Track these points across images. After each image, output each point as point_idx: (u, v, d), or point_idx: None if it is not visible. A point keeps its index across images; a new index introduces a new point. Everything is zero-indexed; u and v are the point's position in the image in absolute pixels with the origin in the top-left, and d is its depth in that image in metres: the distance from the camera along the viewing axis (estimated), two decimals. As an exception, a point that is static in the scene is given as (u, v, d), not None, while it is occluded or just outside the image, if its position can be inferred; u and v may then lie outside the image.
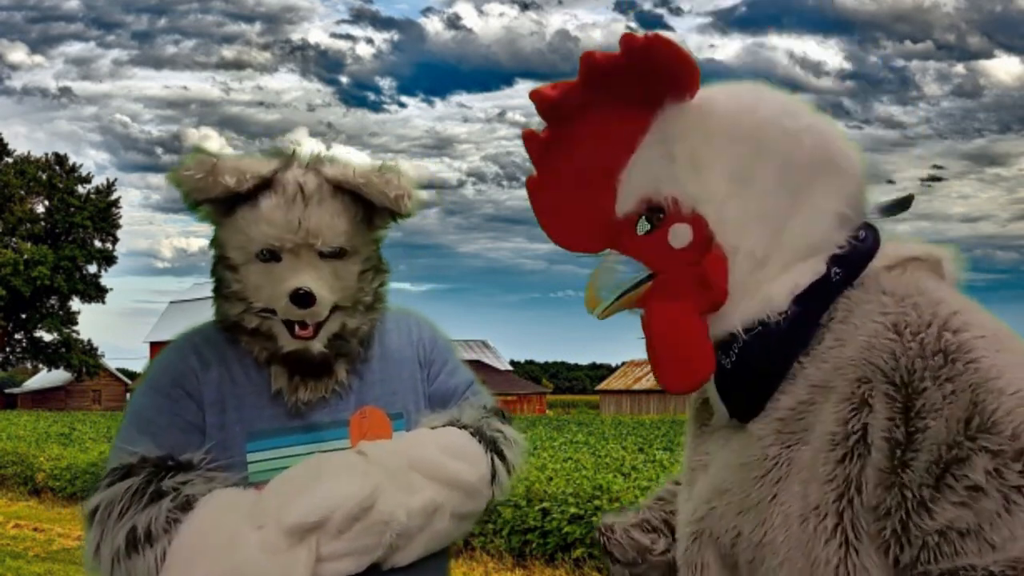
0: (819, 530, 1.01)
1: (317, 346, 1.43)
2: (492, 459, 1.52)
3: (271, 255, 1.40)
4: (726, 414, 1.16)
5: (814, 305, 1.08)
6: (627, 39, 1.06)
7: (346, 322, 1.47)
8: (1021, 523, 0.91)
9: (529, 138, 1.18)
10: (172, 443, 1.38)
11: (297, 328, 1.40)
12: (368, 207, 1.47)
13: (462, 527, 1.50)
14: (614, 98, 1.12)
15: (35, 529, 9.23)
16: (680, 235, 1.12)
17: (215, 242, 1.47)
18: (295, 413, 1.45)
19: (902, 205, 1.22)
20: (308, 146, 1.51)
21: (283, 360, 1.45)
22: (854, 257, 1.10)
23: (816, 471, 1.02)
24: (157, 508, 1.29)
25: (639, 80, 1.10)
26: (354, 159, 1.50)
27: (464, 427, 1.53)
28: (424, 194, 1.52)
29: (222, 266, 1.46)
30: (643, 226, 1.16)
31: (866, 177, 1.15)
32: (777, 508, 1.05)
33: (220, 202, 1.40)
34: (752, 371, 1.10)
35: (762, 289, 1.09)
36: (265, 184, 1.40)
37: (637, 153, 1.14)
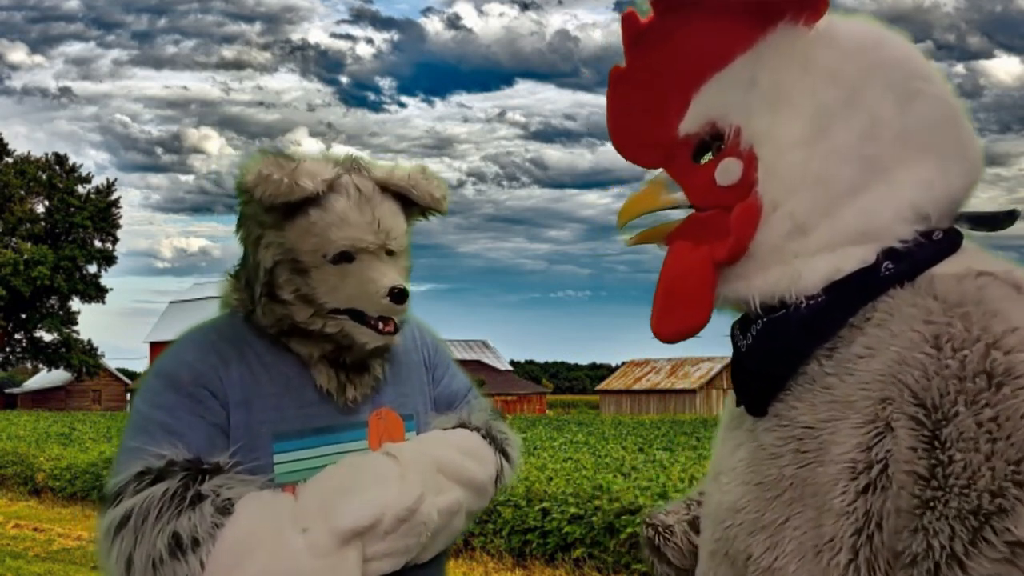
0: (832, 565, 0.89)
1: (398, 340, 1.49)
2: (500, 460, 1.57)
3: (342, 257, 1.41)
4: (735, 403, 1.05)
5: (850, 298, 0.93)
6: None
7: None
8: None
9: (629, 20, 1.01)
10: (199, 445, 1.35)
11: (382, 324, 1.43)
12: (406, 207, 1.50)
13: (467, 524, 1.55)
14: (731, 2, 0.98)
15: (35, 529, 9.23)
16: (728, 172, 0.99)
17: (275, 247, 1.42)
18: (317, 413, 1.46)
19: (1000, 220, 1.02)
20: (314, 147, 1.52)
21: (328, 359, 1.46)
22: (915, 256, 0.93)
23: (832, 501, 0.89)
24: (199, 512, 1.26)
25: None
26: (387, 164, 1.52)
27: (475, 429, 1.58)
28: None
29: (287, 270, 1.42)
30: (700, 154, 1.04)
31: (976, 180, 0.98)
32: (789, 533, 0.94)
33: (288, 206, 1.38)
34: (764, 359, 0.98)
35: (795, 262, 0.95)
36: (328, 187, 1.40)
37: (723, 71, 0.99)
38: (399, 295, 1.39)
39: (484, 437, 1.57)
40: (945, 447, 0.82)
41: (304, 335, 1.45)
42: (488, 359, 61.34)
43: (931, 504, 0.83)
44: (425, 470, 1.42)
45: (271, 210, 1.38)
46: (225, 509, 1.28)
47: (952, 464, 0.81)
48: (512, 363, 79.38)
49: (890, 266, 0.93)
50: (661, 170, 1.08)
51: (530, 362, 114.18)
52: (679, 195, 1.05)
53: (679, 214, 1.08)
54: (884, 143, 0.94)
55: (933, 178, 0.94)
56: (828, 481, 0.90)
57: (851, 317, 0.94)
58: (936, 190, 0.95)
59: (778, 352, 0.97)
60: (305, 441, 1.44)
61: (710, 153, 1.03)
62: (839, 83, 0.95)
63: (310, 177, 1.35)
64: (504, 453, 1.59)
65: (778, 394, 0.98)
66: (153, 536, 1.25)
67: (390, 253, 1.45)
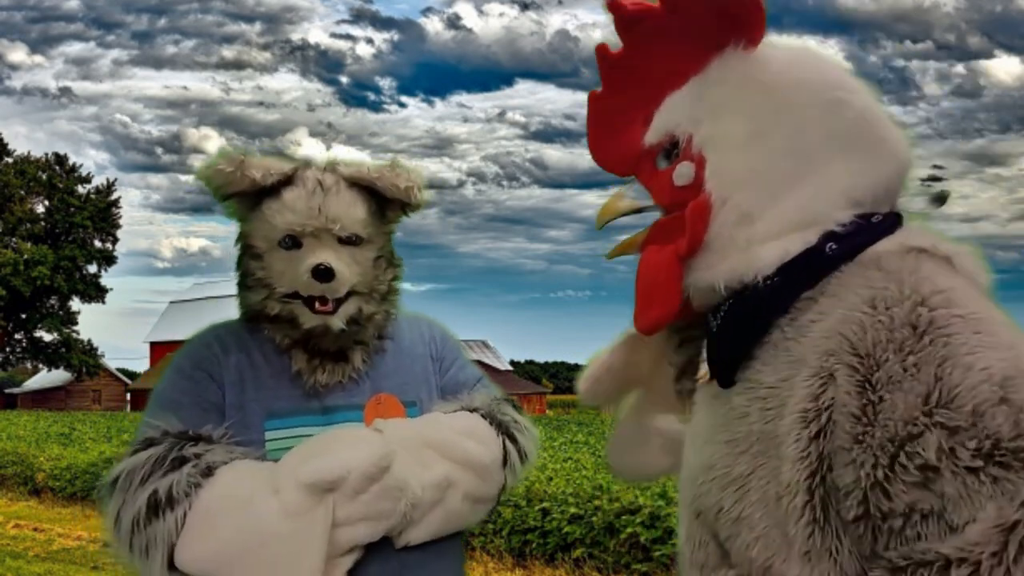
0: (790, 509, 0.99)
1: (337, 323, 1.51)
2: (504, 442, 1.58)
3: (293, 242, 1.50)
4: (708, 379, 1.17)
5: (800, 275, 1.07)
6: None
7: (362, 307, 1.56)
8: (982, 505, 0.88)
9: (601, 53, 1.22)
10: (193, 420, 1.45)
11: (317, 304, 1.49)
12: (381, 201, 1.57)
13: (477, 510, 1.55)
14: (684, 32, 1.15)
15: (35, 529, 9.23)
16: (683, 174, 1.15)
17: (241, 235, 1.56)
18: (312, 395, 1.52)
19: (936, 200, 1.22)
20: (317, 149, 1.60)
21: (303, 344, 1.53)
22: (854, 236, 1.07)
23: (788, 449, 1.00)
24: (178, 473, 1.35)
25: (709, 18, 1.12)
26: (365, 160, 1.61)
27: (475, 411, 1.60)
28: (427, 192, 1.61)
29: (247, 256, 1.55)
30: (662, 161, 1.20)
31: (906, 169, 1.14)
32: (755, 483, 1.04)
33: (247, 197, 1.51)
34: (731, 334, 1.11)
35: (752, 249, 1.09)
36: (287, 180, 1.51)
37: (679, 89, 1.17)
38: (322, 273, 1.46)
39: (485, 418, 1.58)
40: (876, 389, 0.94)
41: (271, 320, 1.54)
42: (488, 359, 61.35)
43: (860, 439, 0.94)
44: (410, 444, 1.45)
45: (235, 200, 1.51)
46: (206, 472, 1.35)
47: (881, 403, 0.94)
48: (512, 363, 79.39)
49: (833, 246, 1.07)
50: (633, 177, 1.25)
51: (530, 362, 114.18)
52: (640, 199, 1.22)
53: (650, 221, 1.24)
54: (813, 142, 1.09)
55: (862, 170, 1.09)
56: (785, 431, 1.01)
57: (803, 291, 1.07)
58: (866, 180, 1.09)
59: (744, 326, 1.10)
60: (297, 419, 1.50)
61: (664, 160, 1.20)
62: (771, 95, 1.11)
63: (260, 169, 1.46)
64: (510, 436, 1.60)
65: (746, 363, 1.10)
66: (136, 496, 1.35)
67: (343, 241, 1.52)
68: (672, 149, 1.18)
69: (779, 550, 1.01)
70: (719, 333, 1.13)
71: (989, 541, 0.86)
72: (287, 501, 1.32)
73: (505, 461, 1.57)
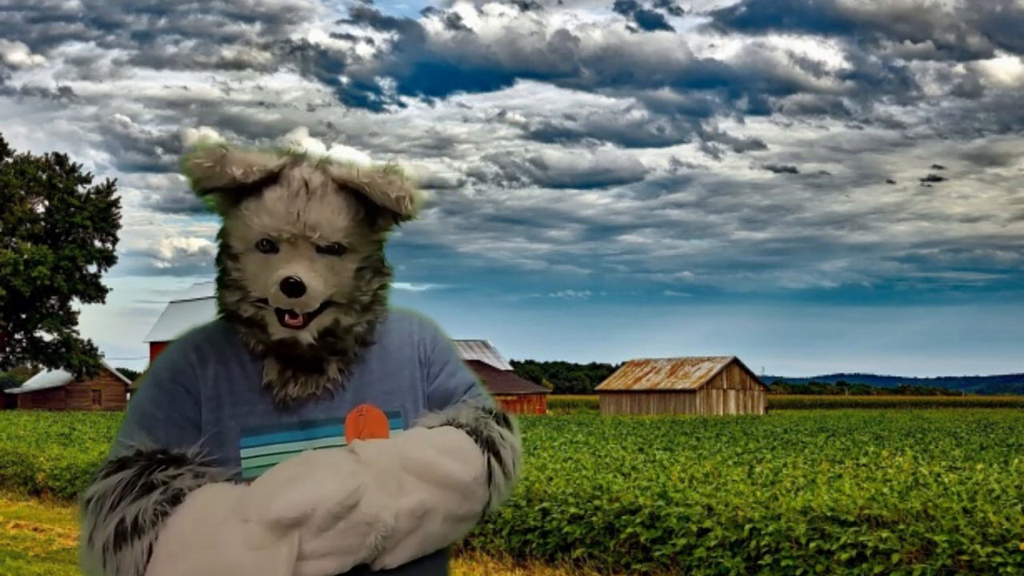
0: None
1: (307, 336, 1.43)
2: (488, 460, 1.49)
3: (270, 246, 1.43)
4: None
5: None
6: None
7: (340, 319, 1.47)
8: None
9: None
10: (168, 437, 1.41)
11: (287, 317, 1.42)
12: (371, 207, 1.48)
13: (459, 529, 1.49)
14: None
15: (35, 529, 9.23)
16: None
17: (221, 232, 1.51)
18: (284, 408, 1.47)
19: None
20: (314, 147, 1.54)
21: (275, 353, 1.47)
22: None
23: None
24: (146, 500, 1.32)
25: None
26: (360, 160, 1.51)
27: (461, 426, 1.51)
28: (425, 195, 1.52)
29: (225, 255, 1.49)
30: None
31: None
32: None
33: (228, 192, 1.44)
34: None
35: None
36: (272, 178, 1.43)
37: None
38: (291, 287, 1.38)
39: (471, 435, 1.49)
40: None
41: (245, 322, 1.48)
42: (488, 359, 61.36)
43: None
44: (386, 468, 1.38)
45: (216, 196, 1.46)
46: (174, 499, 1.33)
47: None
48: (512, 363, 79.27)
49: None
50: None
51: (530, 362, 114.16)
52: None
53: None
54: None
55: None
56: None
57: None
58: None
59: None
60: (275, 436, 1.45)
61: None
62: None
63: (241, 165, 1.39)
64: (496, 454, 1.50)
65: None
66: (105, 522, 1.33)
67: (322, 250, 1.44)
68: None
69: None
70: None
71: None
72: (250, 533, 1.28)
73: (490, 478, 1.48)
